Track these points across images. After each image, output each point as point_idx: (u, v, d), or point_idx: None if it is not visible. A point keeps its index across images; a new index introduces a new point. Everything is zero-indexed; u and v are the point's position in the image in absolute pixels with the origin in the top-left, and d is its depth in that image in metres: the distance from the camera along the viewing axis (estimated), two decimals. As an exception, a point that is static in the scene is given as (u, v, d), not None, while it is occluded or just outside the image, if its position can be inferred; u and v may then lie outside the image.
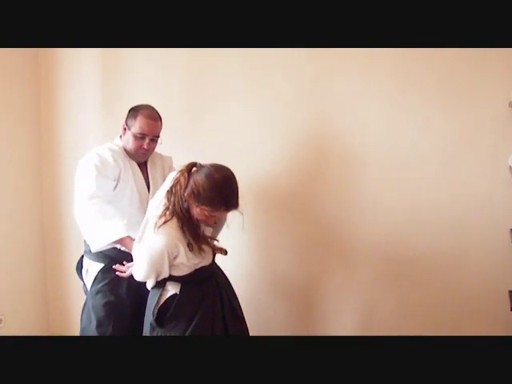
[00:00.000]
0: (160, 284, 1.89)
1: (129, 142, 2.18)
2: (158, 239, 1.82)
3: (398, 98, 2.48)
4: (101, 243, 2.02)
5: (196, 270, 1.92)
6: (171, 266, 1.87)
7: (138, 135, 2.16)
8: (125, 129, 2.20)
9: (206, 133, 2.80)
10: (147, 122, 2.17)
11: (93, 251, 2.07)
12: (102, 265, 2.15)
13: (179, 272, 1.89)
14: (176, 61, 2.80)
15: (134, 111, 2.20)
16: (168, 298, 1.87)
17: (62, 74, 3.02)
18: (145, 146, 2.18)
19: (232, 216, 1.99)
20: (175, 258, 1.85)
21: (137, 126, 2.16)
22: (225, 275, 2.13)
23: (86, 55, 2.94)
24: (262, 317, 2.76)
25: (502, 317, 2.33)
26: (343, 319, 2.65)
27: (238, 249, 2.69)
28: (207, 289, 1.94)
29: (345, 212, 2.60)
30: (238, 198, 1.85)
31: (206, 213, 1.83)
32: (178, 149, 2.72)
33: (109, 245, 2.03)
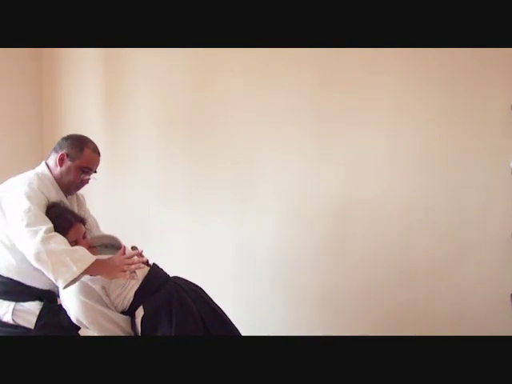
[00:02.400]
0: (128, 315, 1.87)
1: (69, 173, 1.99)
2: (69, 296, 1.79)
3: (399, 101, 2.49)
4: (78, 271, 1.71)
5: (142, 283, 1.87)
6: (113, 304, 1.83)
7: (85, 169, 2.01)
8: (62, 159, 1.98)
9: (210, 134, 2.81)
10: (95, 156, 2.05)
11: (65, 287, 1.74)
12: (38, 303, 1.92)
13: (126, 301, 1.86)
14: (179, 60, 2.82)
15: (79, 142, 2.02)
16: (141, 323, 1.83)
17: (65, 74, 3.04)
18: (86, 180, 2.04)
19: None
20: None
21: (84, 159, 2.00)
22: (188, 281, 2.04)
23: (89, 55, 2.97)
24: (264, 316, 2.77)
25: (502, 320, 2.32)
26: (343, 320, 2.65)
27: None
28: (169, 291, 1.88)
29: (345, 214, 2.60)
30: None
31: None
32: (179, 151, 2.73)
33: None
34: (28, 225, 1.73)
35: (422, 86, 2.45)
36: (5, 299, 1.89)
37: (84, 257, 1.74)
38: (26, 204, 1.78)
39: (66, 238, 1.78)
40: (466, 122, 2.41)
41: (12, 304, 1.89)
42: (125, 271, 1.75)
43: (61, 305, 1.92)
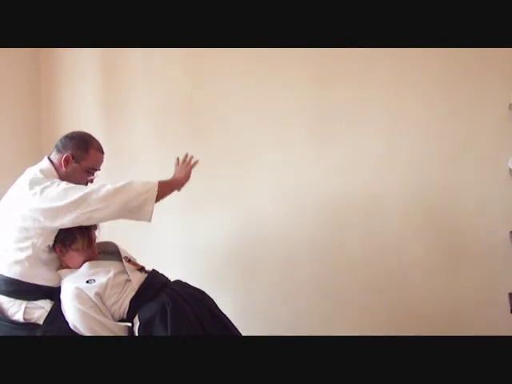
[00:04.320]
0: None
1: (75, 175, 1.95)
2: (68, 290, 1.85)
3: (398, 100, 2.49)
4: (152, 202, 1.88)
5: (137, 291, 1.88)
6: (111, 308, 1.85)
7: (91, 170, 1.99)
8: (67, 160, 1.93)
9: (207, 135, 2.80)
10: (100, 156, 2.01)
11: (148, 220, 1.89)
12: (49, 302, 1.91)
13: (122, 310, 1.87)
14: (177, 60, 2.81)
15: (83, 143, 1.97)
16: (138, 333, 1.83)
17: (63, 74, 3.02)
18: (91, 180, 2.02)
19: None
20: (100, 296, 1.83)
21: (90, 160, 1.96)
22: (188, 286, 2.02)
23: (87, 55, 2.95)
24: (263, 316, 2.77)
25: (501, 319, 2.33)
26: (342, 320, 2.65)
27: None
28: (164, 298, 1.86)
29: (342, 214, 2.60)
30: None
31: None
32: (178, 150, 2.71)
33: None
34: (90, 189, 1.85)
35: (420, 85, 2.45)
36: (17, 298, 1.89)
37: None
38: (70, 185, 1.84)
39: (84, 241, 1.90)
40: (463, 122, 2.41)
41: (24, 303, 1.88)
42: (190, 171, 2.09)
43: None
